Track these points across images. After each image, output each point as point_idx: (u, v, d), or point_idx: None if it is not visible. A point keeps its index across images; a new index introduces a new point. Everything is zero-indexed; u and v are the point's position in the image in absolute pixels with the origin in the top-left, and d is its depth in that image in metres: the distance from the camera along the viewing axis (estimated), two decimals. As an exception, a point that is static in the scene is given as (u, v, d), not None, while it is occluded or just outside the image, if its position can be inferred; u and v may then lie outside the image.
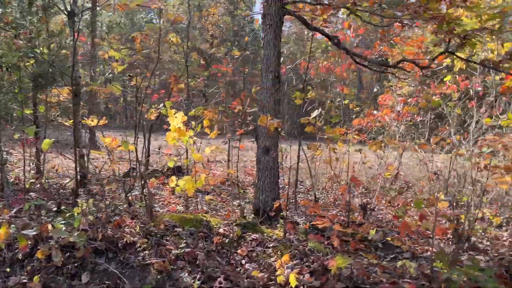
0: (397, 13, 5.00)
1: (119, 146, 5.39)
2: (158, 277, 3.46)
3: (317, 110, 4.56)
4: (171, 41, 5.94)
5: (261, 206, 5.41)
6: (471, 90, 7.64)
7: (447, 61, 7.12)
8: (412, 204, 4.39)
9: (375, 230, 3.80)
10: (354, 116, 7.76)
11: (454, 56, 5.15)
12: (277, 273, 3.50)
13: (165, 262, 3.58)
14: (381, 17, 5.25)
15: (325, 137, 4.92)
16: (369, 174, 8.30)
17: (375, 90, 21.72)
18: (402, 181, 8.79)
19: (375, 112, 8.38)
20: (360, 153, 7.33)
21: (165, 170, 6.17)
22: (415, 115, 8.53)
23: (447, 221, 5.57)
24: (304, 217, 5.93)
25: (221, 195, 7.17)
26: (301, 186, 8.79)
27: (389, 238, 4.42)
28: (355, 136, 7.55)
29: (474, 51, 9.35)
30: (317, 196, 7.14)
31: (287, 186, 8.39)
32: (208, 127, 4.47)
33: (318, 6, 4.68)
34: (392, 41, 6.52)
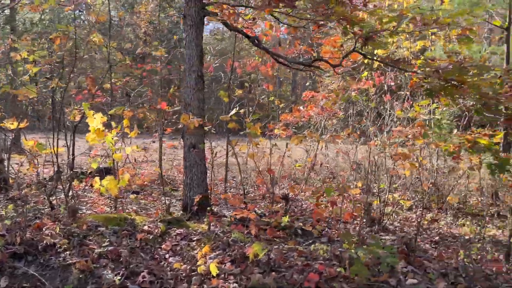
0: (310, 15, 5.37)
1: (44, 149, 5.27)
2: (80, 276, 3.51)
3: (235, 108, 4.79)
4: (93, 41, 5.89)
5: (189, 202, 5.55)
6: (385, 85, 8.29)
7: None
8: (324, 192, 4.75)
9: (287, 217, 4.10)
10: (280, 112, 8.11)
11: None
12: (198, 263, 3.68)
13: (87, 261, 3.62)
14: (297, 18, 5.60)
15: (242, 132, 5.16)
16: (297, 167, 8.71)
17: (307, 84, 22.61)
18: (328, 172, 9.34)
19: (301, 107, 8.79)
20: (286, 146, 7.69)
21: (90, 171, 6.12)
22: (338, 110, 9.08)
23: (363, 206, 6.07)
24: (232, 211, 6.15)
25: (152, 194, 7.22)
26: (234, 182, 9.04)
27: (300, 224, 4.76)
28: (282, 131, 7.91)
29: (392, 48, 10.09)
30: (246, 190, 7.42)
31: (220, 182, 8.62)
32: (128, 126, 4.54)
33: (227, 11, 4.90)
34: (310, 41, 6.91)
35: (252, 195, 7.54)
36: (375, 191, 6.19)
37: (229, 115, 4.66)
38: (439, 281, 3.71)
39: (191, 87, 5.48)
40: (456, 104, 6.58)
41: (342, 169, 8.72)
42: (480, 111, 4.85)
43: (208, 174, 5.96)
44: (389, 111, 7.72)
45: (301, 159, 9.17)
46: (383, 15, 4.93)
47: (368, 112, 8.24)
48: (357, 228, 5.59)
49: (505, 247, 4.46)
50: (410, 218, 6.35)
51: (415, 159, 5.76)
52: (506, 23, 8.07)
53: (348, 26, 4.80)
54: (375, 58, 5.17)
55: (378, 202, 5.78)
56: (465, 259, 4.13)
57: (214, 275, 3.61)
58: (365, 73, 8.35)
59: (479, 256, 4.45)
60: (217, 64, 7.84)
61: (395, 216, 6.28)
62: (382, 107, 8.14)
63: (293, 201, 6.83)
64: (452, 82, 4.36)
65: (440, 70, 4.37)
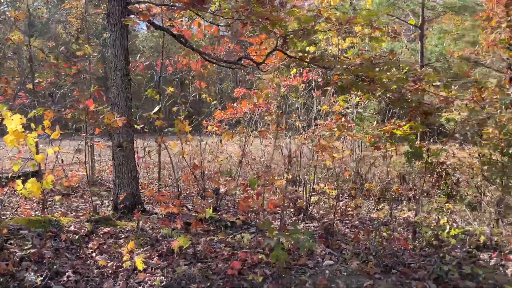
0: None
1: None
2: (1, 280, 3.45)
3: (158, 106, 4.87)
4: (12, 39, 5.66)
5: (119, 201, 5.55)
6: (313, 81, 8.69)
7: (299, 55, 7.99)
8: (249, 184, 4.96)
9: (211, 209, 4.27)
10: (213, 109, 8.24)
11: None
12: (124, 259, 3.75)
13: (8, 264, 3.57)
14: (221, 17, 5.76)
15: (166, 130, 5.25)
16: (232, 162, 8.92)
17: (247, 79, 22.93)
18: (262, 165, 9.61)
19: (234, 104, 8.97)
20: (221, 142, 7.85)
21: (12, 175, 5.91)
22: (270, 106, 9.37)
23: (294, 197, 6.38)
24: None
25: (84, 196, 7.11)
26: (170, 179, 9.06)
27: (225, 216, 4.95)
28: (215, 128, 8.05)
29: (321, 46, 10.48)
30: (182, 187, 7.50)
31: (157, 180, 8.60)
32: (49, 127, 4.46)
33: (148, 11, 4.96)
34: (237, 39, 7.11)
35: (188, 192, 7.63)
36: (302, 182, 6.52)
37: (152, 112, 4.73)
38: (352, 260, 4.06)
39: (117, 86, 5.47)
40: (375, 98, 7.08)
41: (276, 162, 9.03)
42: (395, 103, 5.29)
43: (143, 173, 6.00)
44: (317, 106, 8.11)
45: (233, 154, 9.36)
46: (301, 15, 5.21)
47: (298, 108, 8.59)
48: (285, 217, 5.89)
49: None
50: (336, 206, 6.75)
51: (339, 150, 6.15)
52: (420, 22, 8.77)
53: (268, 25, 5.03)
54: (294, 56, 5.45)
55: (305, 192, 6.09)
56: (377, 240, 4.52)
57: (141, 269, 3.70)
58: (294, 70, 8.68)
59: (392, 236, 4.88)
60: (147, 62, 7.82)
61: (323, 205, 6.65)
62: (310, 102, 8.52)
63: (227, 196, 7.01)
64: (363, 78, 4.73)
65: (351, 67, 4.73)
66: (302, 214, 5.71)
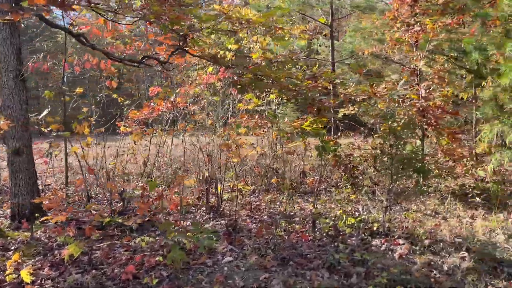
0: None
1: None
2: None
3: (47, 109, 4.65)
4: None
5: (17, 210, 5.24)
6: (230, 79, 8.75)
7: (221, 53, 7.99)
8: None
9: (110, 217, 4.17)
10: (125, 109, 8.02)
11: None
12: (7, 272, 3.55)
13: None
14: (123, 15, 5.60)
15: (53, 134, 5.05)
16: (150, 162, 8.75)
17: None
18: (181, 164, 9.54)
19: (152, 103, 8.80)
20: (135, 143, 7.68)
21: None
22: (189, 105, 9.32)
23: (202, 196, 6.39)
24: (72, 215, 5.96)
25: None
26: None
27: (119, 220, 4.87)
28: (128, 128, 7.85)
29: (244, 43, 10.56)
30: (94, 192, 7.25)
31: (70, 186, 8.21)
32: None
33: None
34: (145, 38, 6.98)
35: (101, 196, 7.37)
36: (215, 180, 6.55)
37: (40, 116, 4.51)
38: (251, 255, 4.15)
39: (9, 88, 5.14)
40: (285, 95, 7.28)
41: (195, 161, 8.99)
42: (291, 100, 5.48)
43: (54, 178, 5.67)
44: (234, 104, 8.19)
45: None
46: (204, 14, 5.21)
47: (216, 106, 8.62)
48: (197, 216, 5.89)
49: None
50: (252, 202, 6.87)
51: (248, 148, 6.26)
52: (329, 21, 9.14)
53: (168, 24, 4.97)
54: (196, 55, 5.45)
55: (218, 190, 6.13)
56: (277, 233, 4.66)
57: (28, 282, 3.52)
58: (211, 68, 8.69)
59: (294, 229, 5.05)
60: (51, 62, 7.41)
61: (238, 201, 6.72)
62: (228, 100, 8.58)
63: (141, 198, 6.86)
64: (261, 77, 4.84)
65: (250, 66, 4.82)
66: (213, 212, 5.75)
